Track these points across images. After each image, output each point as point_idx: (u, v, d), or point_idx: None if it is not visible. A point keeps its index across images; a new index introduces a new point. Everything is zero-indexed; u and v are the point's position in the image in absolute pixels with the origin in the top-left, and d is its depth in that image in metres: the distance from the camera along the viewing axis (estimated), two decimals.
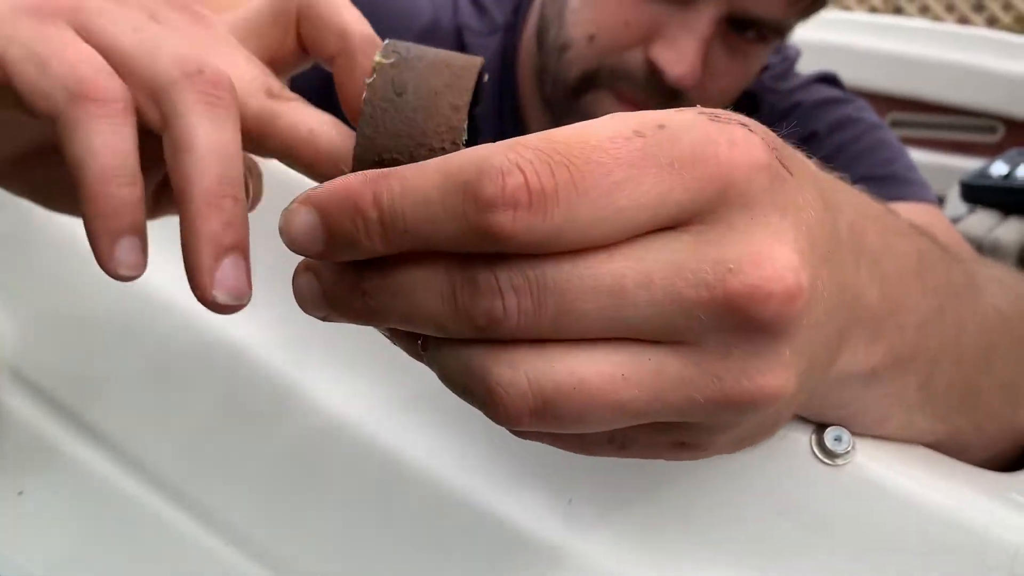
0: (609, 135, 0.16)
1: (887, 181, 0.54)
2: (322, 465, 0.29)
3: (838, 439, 0.27)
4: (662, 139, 0.16)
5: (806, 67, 1.31)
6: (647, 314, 0.16)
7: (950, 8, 3.09)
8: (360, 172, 0.17)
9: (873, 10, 3.10)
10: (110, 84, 0.19)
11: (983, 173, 0.78)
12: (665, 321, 0.16)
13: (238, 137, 0.20)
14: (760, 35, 0.52)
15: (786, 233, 0.16)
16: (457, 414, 0.29)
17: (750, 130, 0.17)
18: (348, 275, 0.17)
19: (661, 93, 0.50)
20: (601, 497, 0.28)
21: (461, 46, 0.61)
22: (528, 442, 0.28)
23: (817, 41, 1.39)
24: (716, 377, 0.17)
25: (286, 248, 0.18)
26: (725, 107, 0.57)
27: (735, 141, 0.16)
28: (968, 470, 0.29)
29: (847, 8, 3.16)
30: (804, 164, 0.20)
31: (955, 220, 0.78)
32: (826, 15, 1.60)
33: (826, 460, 0.27)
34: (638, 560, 0.27)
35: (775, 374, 0.17)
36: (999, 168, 0.77)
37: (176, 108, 0.19)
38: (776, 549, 0.27)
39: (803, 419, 0.27)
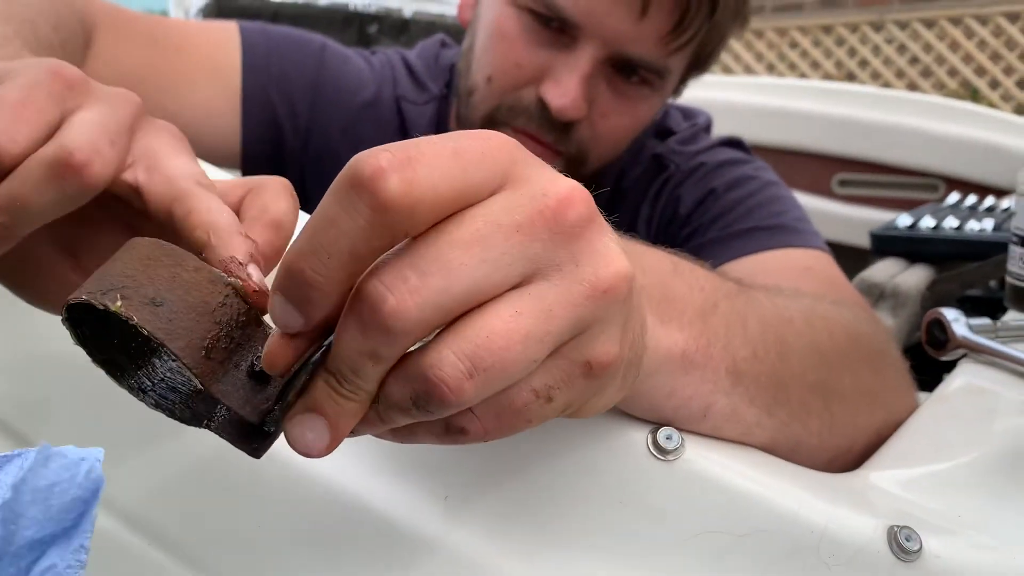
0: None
1: (778, 230, 0.60)
2: (230, 474, 0.33)
3: (669, 437, 0.31)
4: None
5: (761, 130, 1.38)
6: (507, 253, 0.20)
7: (900, 74, 3.26)
8: (289, 248, 0.21)
9: (827, 77, 3.26)
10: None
11: (891, 225, 0.84)
12: (522, 255, 0.20)
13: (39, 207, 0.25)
14: (643, 79, 0.59)
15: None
16: None
17: None
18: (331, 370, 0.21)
19: (554, 127, 0.58)
20: (472, 493, 0.32)
21: (400, 115, 0.68)
22: (412, 446, 0.33)
23: (772, 106, 1.48)
24: (578, 281, 0.21)
25: None
26: (619, 150, 0.63)
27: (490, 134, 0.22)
28: (785, 465, 0.33)
29: (803, 75, 3.32)
30: None
31: None
32: (782, 81, 1.67)
33: (659, 456, 0.31)
34: (505, 548, 0.31)
35: (614, 260, 0.22)
36: (904, 220, 0.83)
37: (28, 166, 0.25)
38: (619, 533, 0.31)
39: (640, 421, 0.32)
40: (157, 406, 0.24)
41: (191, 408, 0.24)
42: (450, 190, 0.20)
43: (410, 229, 0.20)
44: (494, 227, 0.20)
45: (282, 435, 0.25)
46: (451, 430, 0.22)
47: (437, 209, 0.20)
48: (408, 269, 0.20)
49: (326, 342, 0.21)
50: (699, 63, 0.62)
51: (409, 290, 0.19)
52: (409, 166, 0.19)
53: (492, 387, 0.21)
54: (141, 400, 0.24)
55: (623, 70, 0.58)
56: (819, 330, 0.37)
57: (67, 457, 0.23)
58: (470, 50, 0.62)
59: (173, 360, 0.24)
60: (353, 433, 0.22)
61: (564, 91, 0.56)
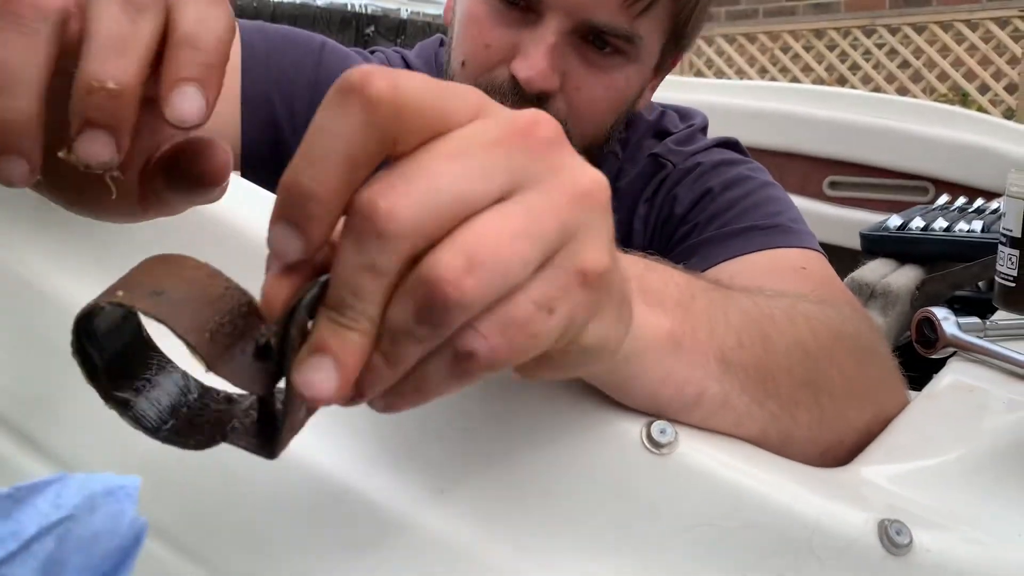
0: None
1: (773, 230, 0.60)
2: (228, 466, 0.34)
3: (663, 431, 0.32)
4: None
5: (754, 132, 1.40)
6: (487, 165, 0.21)
7: (891, 79, 3.28)
8: (285, 172, 0.21)
9: (819, 81, 3.28)
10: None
11: (881, 226, 0.85)
12: (503, 166, 0.22)
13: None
14: (615, 48, 0.59)
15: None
16: (344, 414, 0.34)
17: None
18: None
19: (527, 102, 0.58)
20: (467, 487, 0.32)
21: None
22: (408, 440, 0.33)
23: (765, 109, 1.49)
24: (558, 188, 0.22)
25: None
26: (602, 127, 0.63)
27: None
28: (777, 459, 0.34)
29: (795, 79, 3.34)
30: None
31: None
32: (774, 85, 1.67)
33: (653, 450, 0.32)
34: (500, 541, 0.32)
35: (588, 170, 0.23)
36: (895, 221, 0.84)
37: None
38: (612, 525, 0.31)
39: (634, 415, 0.32)
40: (168, 439, 0.25)
41: (204, 424, 0.24)
42: (433, 101, 0.21)
43: (398, 134, 0.21)
44: (473, 143, 0.22)
45: (287, 434, 0.25)
46: (460, 358, 0.22)
47: (421, 118, 0.21)
48: (396, 178, 0.21)
49: (321, 279, 0.22)
50: (677, 35, 0.62)
51: (398, 194, 0.20)
52: (394, 75, 0.21)
53: (491, 286, 0.21)
54: (154, 437, 0.24)
55: (593, 41, 0.58)
56: (801, 327, 0.37)
57: (114, 505, 0.23)
58: (450, 43, 0.64)
59: (180, 340, 0.23)
60: (359, 396, 0.22)
61: (531, 63, 0.57)
